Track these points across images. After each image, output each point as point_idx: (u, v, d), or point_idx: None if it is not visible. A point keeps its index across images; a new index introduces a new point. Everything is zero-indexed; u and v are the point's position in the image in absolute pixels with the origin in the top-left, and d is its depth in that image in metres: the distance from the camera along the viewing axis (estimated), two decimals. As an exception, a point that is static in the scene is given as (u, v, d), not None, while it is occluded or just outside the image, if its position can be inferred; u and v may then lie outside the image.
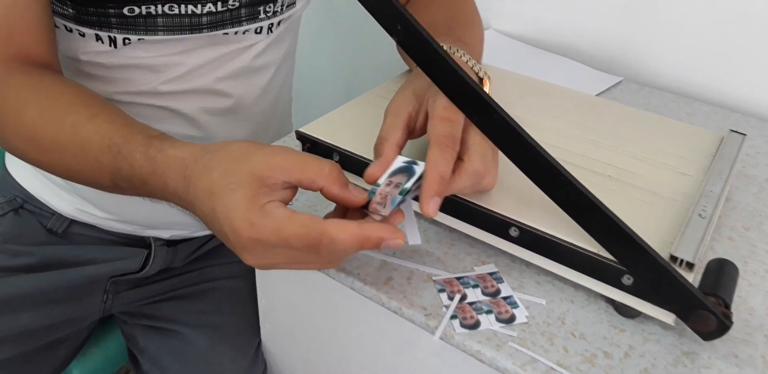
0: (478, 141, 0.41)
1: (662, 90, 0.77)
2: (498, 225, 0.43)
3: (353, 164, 0.49)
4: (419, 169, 0.38)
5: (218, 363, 0.69)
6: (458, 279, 0.43)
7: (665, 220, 0.44)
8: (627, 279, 0.39)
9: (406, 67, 0.61)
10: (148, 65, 0.58)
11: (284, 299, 0.61)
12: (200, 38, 0.58)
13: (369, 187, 0.38)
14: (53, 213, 0.70)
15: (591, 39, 0.83)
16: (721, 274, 0.39)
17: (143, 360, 0.73)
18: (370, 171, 0.39)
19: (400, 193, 0.37)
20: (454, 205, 0.45)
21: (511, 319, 0.40)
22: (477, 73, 0.49)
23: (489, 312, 0.40)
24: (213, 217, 0.37)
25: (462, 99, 0.40)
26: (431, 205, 0.37)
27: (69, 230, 0.71)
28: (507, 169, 0.42)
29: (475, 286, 0.43)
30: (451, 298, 0.42)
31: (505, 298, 0.42)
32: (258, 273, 0.62)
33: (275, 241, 0.35)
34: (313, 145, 0.51)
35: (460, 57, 0.48)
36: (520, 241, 0.43)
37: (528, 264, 0.45)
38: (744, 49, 0.72)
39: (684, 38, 0.76)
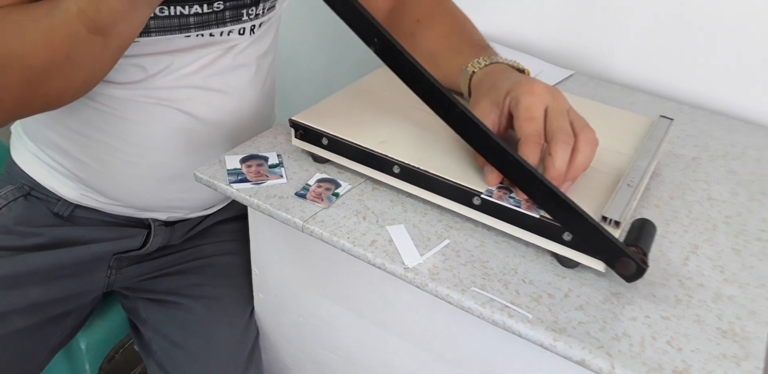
0: (554, 126, 0.50)
1: (609, 82, 0.87)
2: (464, 195, 0.52)
3: (341, 147, 0.57)
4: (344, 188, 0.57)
5: (215, 329, 0.76)
6: (431, 240, 0.52)
7: (601, 190, 0.53)
8: (567, 236, 0.48)
9: (378, 64, 0.70)
10: (138, 64, 0.63)
11: (276, 269, 0.69)
12: (189, 40, 0.64)
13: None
14: (59, 198, 0.76)
15: (547, 37, 0.92)
16: (642, 230, 0.48)
17: (145, 330, 0.80)
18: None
19: (333, 194, 0.56)
20: (427, 180, 0.54)
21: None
22: (518, 67, 0.61)
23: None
24: None
25: (430, 97, 0.49)
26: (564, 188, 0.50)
27: (74, 214, 0.77)
28: (471, 150, 0.51)
29: (445, 245, 0.51)
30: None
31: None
32: (252, 245, 0.69)
33: None
34: (305, 132, 0.58)
35: (512, 63, 0.61)
36: (482, 209, 0.52)
37: (489, 227, 0.54)
38: (678, 46, 0.82)
39: (627, 37, 0.85)
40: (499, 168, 0.49)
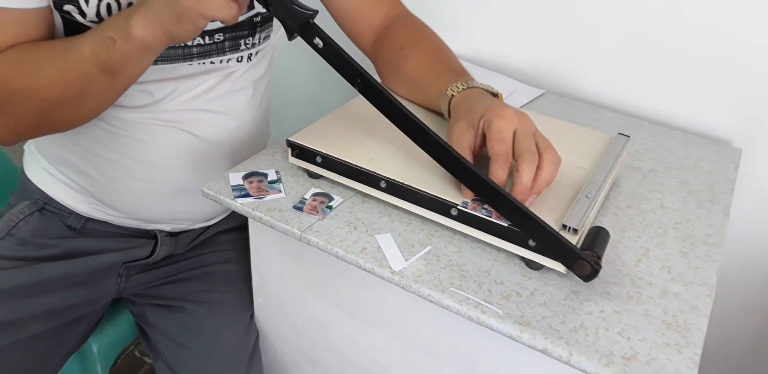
0: (522, 147, 0.56)
1: (577, 100, 0.94)
2: (443, 207, 0.59)
3: (333, 165, 0.64)
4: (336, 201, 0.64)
5: (219, 331, 0.82)
6: (414, 247, 0.59)
7: (563, 201, 0.60)
8: (531, 243, 0.55)
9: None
10: (146, 89, 0.70)
11: (275, 274, 0.75)
12: (192, 67, 0.71)
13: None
14: (71, 212, 0.82)
15: (521, 58, 0.99)
16: (597, 236, 0.55)
17: (152, 333, 0.86)
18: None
19: (327, 207, 0.63)
20: (410, 194, 0.60)
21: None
22: (492, 91, 0.67)
23: (436, 268, 0.56)
24: None
25: (408, 128, 0.56)
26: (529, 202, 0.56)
27: (86, 226, 0.83)
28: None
29: (427, 252, 0.58)
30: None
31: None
32: (253, 254, 0.76)
33: None
34: (300, 150, 0.65)
35: (486, 88, 0.67)
36: (459, 219, 0.59)
37: (465, 235, 0.61)
38: (639, 67, 0.90)
39: (594, 59, 0.93)
40: (470, 187, 0.56)
